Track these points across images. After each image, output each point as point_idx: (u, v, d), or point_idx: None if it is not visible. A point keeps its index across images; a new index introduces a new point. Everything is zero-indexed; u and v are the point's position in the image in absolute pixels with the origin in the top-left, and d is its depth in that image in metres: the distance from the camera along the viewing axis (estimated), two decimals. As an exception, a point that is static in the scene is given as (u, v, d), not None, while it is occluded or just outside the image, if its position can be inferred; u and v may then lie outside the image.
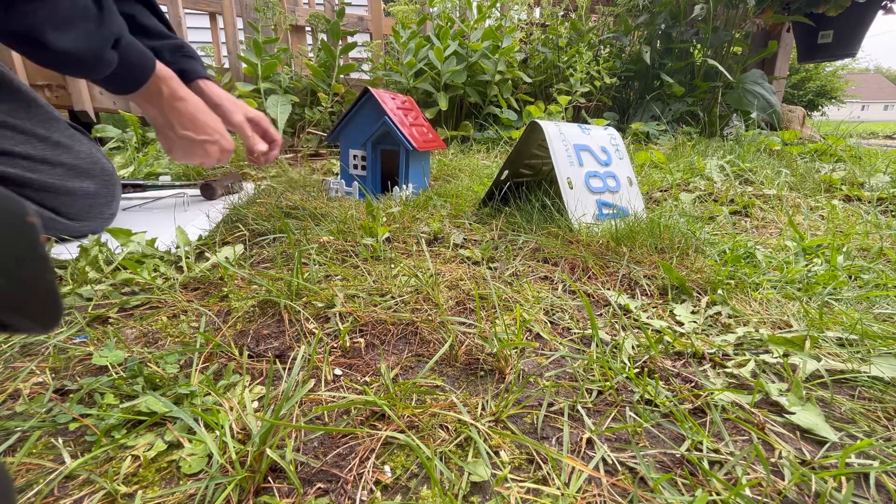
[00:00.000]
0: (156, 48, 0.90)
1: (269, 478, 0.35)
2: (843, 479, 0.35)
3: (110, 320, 0.57)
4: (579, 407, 0.43)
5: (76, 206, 0.83)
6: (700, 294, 0.65)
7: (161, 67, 0.74)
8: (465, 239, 0.86)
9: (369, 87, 1.09)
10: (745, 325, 0.57)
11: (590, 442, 0.39)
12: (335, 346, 0.52)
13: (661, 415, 0.42)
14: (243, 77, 1.96)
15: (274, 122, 1.80)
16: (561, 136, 0.92)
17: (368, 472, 0.35)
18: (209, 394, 0.43)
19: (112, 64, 0.68)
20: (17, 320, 0.19)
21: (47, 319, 0.21)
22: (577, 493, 0.34)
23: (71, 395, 0.43)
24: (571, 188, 0.88)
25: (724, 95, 2.38)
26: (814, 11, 2.34)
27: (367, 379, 0.47)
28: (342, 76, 2.13)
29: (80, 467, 0.35)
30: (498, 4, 2.40)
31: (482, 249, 0.78)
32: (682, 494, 0.34)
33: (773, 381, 0.47)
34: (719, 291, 0.64)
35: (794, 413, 0.42)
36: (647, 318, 0.59)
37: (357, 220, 0.87)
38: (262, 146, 0.94)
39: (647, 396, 0.44)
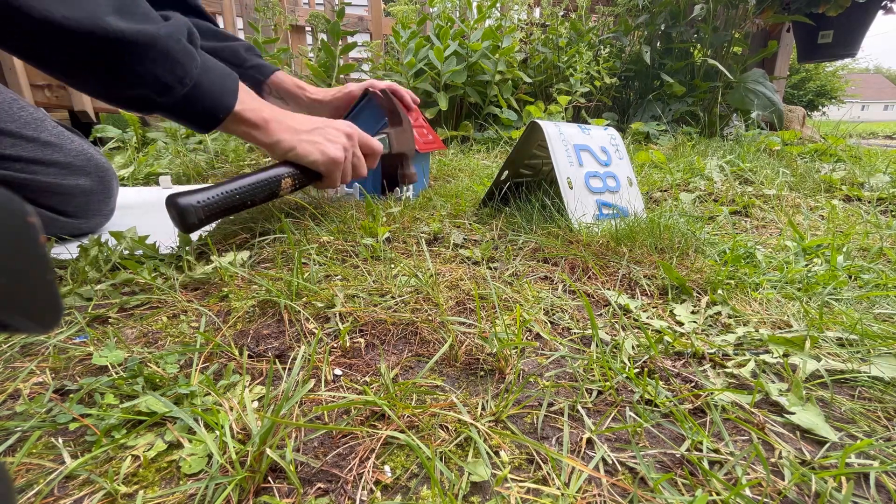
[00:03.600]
0: (232, 47, 0.96)
1: (269, 478, 0.35)
2: (843, 479, 0.35)
3: (110, 320, 0.57)
4: (579, 407, 0.43)
5: (73, 204, 0.83)
6: (700, 294, 0.65)
7: (241, 100, 0.68)
8: (465, 239, 0.86)
9: (370, 89, 1.08)
10: (745, 325, 0.57)
11: (590, 442, 0.39)
12: (335, 346, 0.52)
13: (661, 415, 0.42)
14: (243, 77, 1.96)
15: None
16: (561, 136, 0.92)
17: (368, 472, 0.35)
18: (209, 394, 0.43)
19: (192, 60, 0.59)
20: (17, 320, 0.19)
21: (47, 319, 0.21)
22: (577, 493, 0.34)
23: (71, 395, 0.43)
24: (571, 188, 0.88)
25: (726, 95, 2.38)
26: (814, 11, 2.34)
27: (367, 379, 0.47)
28: (342, 76, 2.13)
29: (80, 467, 0.35)
30: (498, 4, 2.40)
31: (482, 249, 0.78)
32: (682, 494, 0.34)
33: (773, 381, 0.47)
34: (719, 291, 0.64)
35: (794, 413, 0.42)
36: (647, 318, 0.59)
37: (357, 220, 0.87)
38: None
39: (647, 396, 0.44)
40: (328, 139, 0.77)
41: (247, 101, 0.69)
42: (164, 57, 0.56)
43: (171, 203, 0.64)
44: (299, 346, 0.51)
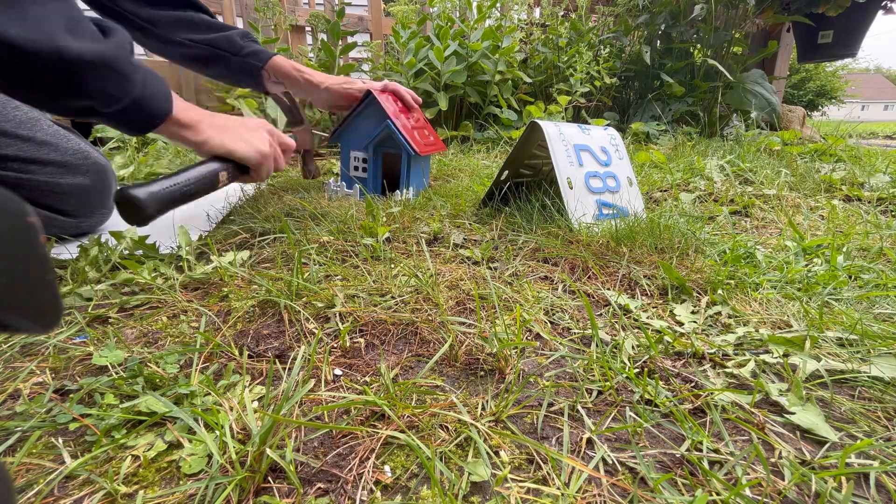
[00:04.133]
0: (227, 36, 0.97)
1: (269, 478, 0.35)
2: (843, 479, 0.35)
3: (110, 320, 0.57)
4: (579, 407, 0.43)
5: (72, 203, 0.82)
6: (700, 294, 0.65)
7: (176, 108, 0.69)
8: (465, 239, 0.86)
9: (371, 90, 1.08)
10: (745, 325, 0.57)
11: (590, 442, 0.39)
12: (335, 346, 0.52)
13: (661, 415, 0.42)
14: (243, 77, 1.96)
15: (274, 122, 1.80)
16: (561, 136, 0.92)
17: (368, 472, 0.35)
18: (209, 394, 0.43)
19: (136, 73, 0.61)
20: (17, 320, 0.19)
21: (47, 319, 0.21)
22: (577, 493, 0.34)
23: (71, 395, 0.43)
24: (571, 188, 0.88)
25: (724, 95, 2.38)
26: (814, 11, 2.34)
27: (367, 379, 0.47)
28: (342, 76, 2.12)
29: (80, 467, 0.35)
30: (498, 4, 2.40)
31: (482, 249, 0.78)
32: (682, 494, 0.34)
33: (773, 381, 0.47)
34: (719, 291, 0.64)
35: (794, 413, 0.42)
36: (647, 318, 0.59)
37: (357, 220, 0.87)
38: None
39: (647, 396, 0.44)
40: (254, 135, 0.80)
41: (178, 103, 0.71)
42: (115, 74, 0.59)
43: (123, 195, 0.61)
44: (299, 346, 0.51)
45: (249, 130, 0.80)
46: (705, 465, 0.36)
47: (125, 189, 0.62)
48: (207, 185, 0.73)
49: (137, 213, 0.62)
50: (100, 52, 0.57)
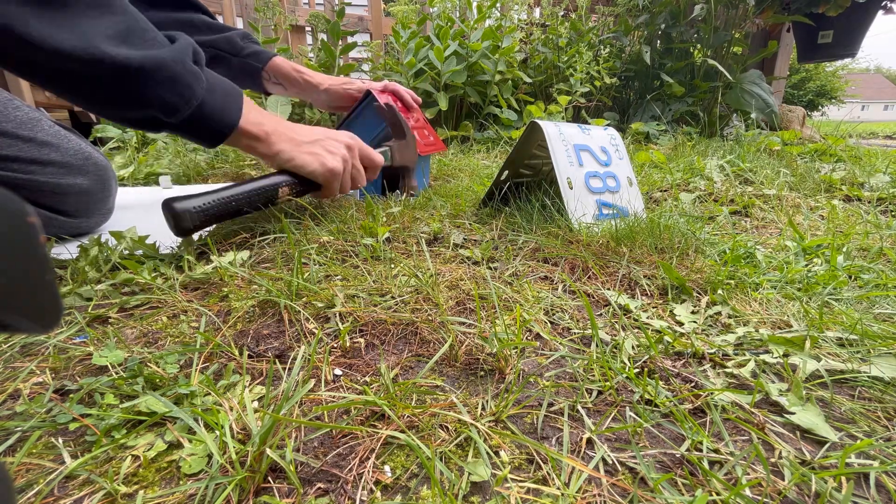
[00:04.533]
0: (228, 37, 0.98)
1: (269, 478, 0.35)
2: (843, 479, 0.35)
3: (110, 320, 0.57)
4: (579, 407, 0.43)
5: (72, 203, 0.82)
6: (700, 294, 0.65)
7: (245, 115, 0.69)
8: (465, 239, 0.86)
9: (371, 91, 1.08)
10: (745, 325, 0.57)
11: (590, 442, 0.39)
12: (335, 346, 0.52)
13: (661, 415, 0.42)
14: (243, 77, 1.96)
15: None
16: (561, 136, 0.92)
17: (368, 472, 0.35)
18: (209, 394, 0.43)
19: (198, 80, 0.61)
20: (17, 320, 0.19)
21: (47, 319, 0.21)
22: (577, 493, 0.34)
23: (71, 395, 0.43)
24: (571, 188, 0.88)
25: (724, 95, 2.38)
26: (814, 11, 2.34)
27: (367, 379, 0.47)
28: (342, 77, 2.13)
29: (80, 467, 0.35)
30: (498, 4, 2.40)
31: (482, 249, 0.78)
32: (682, 494, 0.34)
33: (773, 381, 0.47)
34: (719, 291, 0.64)
35: (794, 413, 0.42)
36: (647, 318, 0.59)
37: (357, 220, 0.87)
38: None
39: (647, 396, 0.44)
40: (328, 150, 0.79)
41: (250, 115, 0.71)
42: (170, 80, 0.59)
43: (167, 207, 0.66)
44: (299, 346, 0.51)
45: (326, 145, 0.79)
46: (705, 465, 0.36)
47: (169, 201, 0.67)
48: (263, 200, 0.76)
49: (178, 225, 0.67)
50: (151, 56, 0.57)
